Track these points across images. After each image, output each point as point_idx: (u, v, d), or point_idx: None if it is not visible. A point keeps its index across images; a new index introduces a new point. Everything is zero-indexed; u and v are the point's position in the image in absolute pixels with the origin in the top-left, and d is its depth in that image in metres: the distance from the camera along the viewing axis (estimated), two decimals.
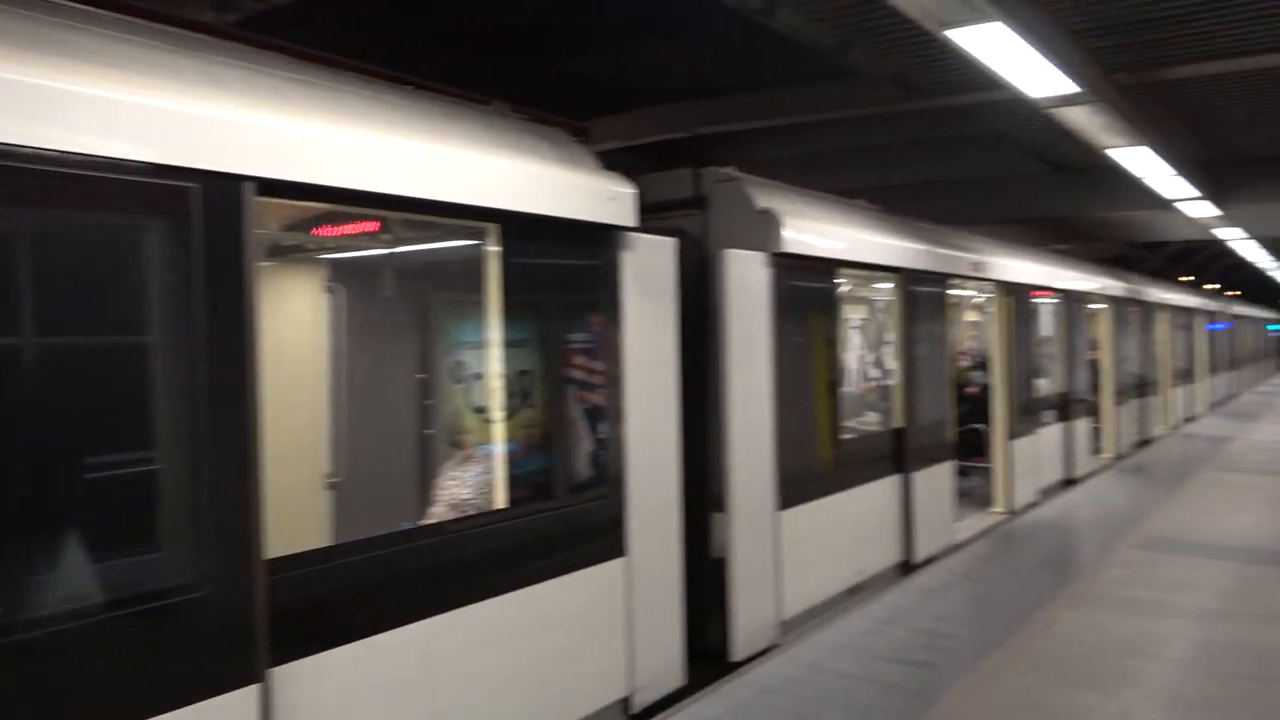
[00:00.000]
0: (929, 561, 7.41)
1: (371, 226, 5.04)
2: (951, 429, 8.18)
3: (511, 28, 9.07)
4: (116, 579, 2.62)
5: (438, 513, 4.17)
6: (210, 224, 2.84)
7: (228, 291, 2.88)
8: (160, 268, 2.78)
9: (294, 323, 5.50)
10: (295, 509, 5.04)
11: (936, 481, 7.69)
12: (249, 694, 2.83)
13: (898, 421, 7.28)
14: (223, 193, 2.89)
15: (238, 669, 2.81)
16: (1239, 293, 34.05)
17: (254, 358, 2.93)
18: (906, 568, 7.18)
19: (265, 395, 2.97)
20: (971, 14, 5.18)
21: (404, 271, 5.55)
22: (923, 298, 7.66)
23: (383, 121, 3.56)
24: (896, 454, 7.15)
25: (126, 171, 2.66)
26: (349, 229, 5.11)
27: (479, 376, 5.02)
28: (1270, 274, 29.96)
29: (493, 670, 3.81)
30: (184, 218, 2.78)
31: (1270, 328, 39.32)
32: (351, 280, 5.66)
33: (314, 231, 5.06)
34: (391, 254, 5.38)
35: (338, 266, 5.63)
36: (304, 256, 5.55)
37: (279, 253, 5.37)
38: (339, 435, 5.57)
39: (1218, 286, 33.46)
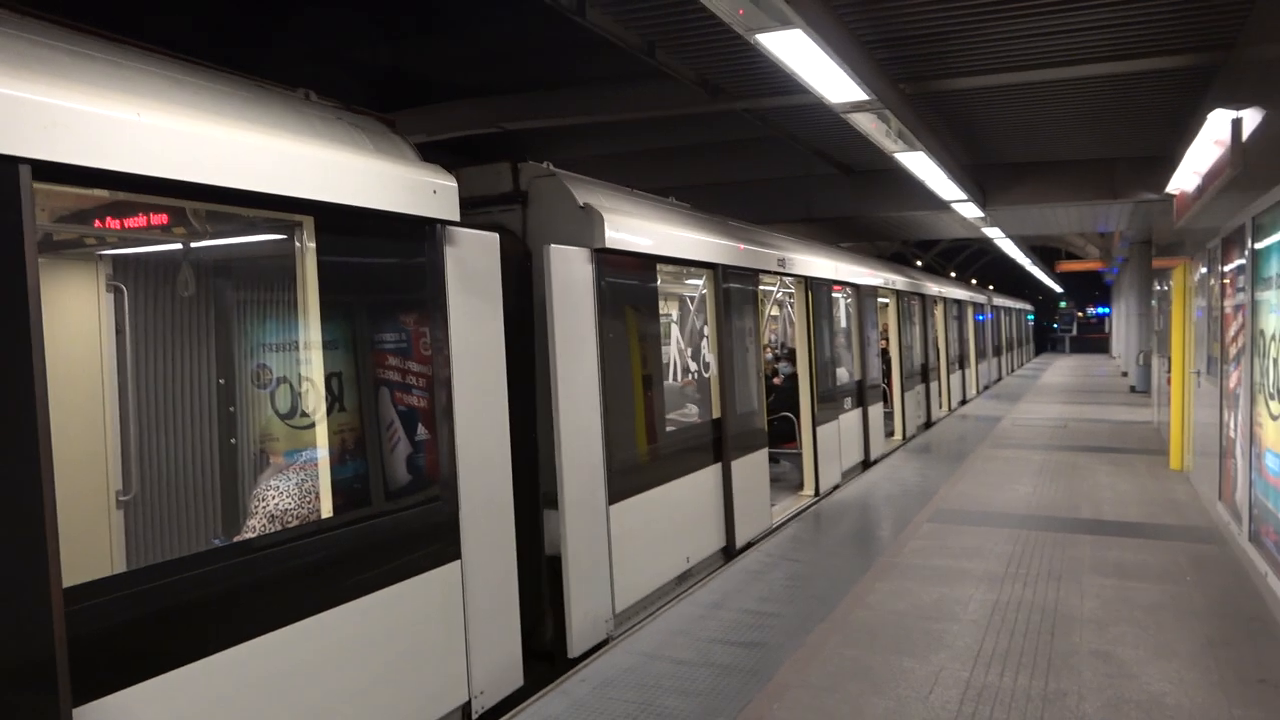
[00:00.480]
0: (749, 546, 7.70)
1: (160, 219, 4.61)
2: (763, 417, 8.53)
3: (304, 13, 8.63)
4: None
5: (256, 525, 3.87)
6: None
7: (6, 291, 2.52)
8: None
9: (70, 326, 4.95)
10: (82, 531, 4.54)
11: (753, 469, 7.99)
12: None
13: (715, 412, 7.50)
14: None
15: (36, 713, 2.47)
16: (991, 286, 37.86)
17: (41, 366, 2.58)
18: (728, 553, 7.41)
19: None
20: (775, 21, 5.41)
21: (201, 268, 5.11)
22: (735, 293, 7.93)
23: (182, 103, 3.24)
24: (716, 444, 7.37)
25: None
26: (135, 221, 4.64)
27: (283, 380, 4.71)
28: (1028, 269, 33.41)
29: (328, 687, 3.57)
30: None
31: (1029, 318, 43.83)
32: (139, 278, 5.15)
33: (95, 224, 4.56)
34: (186, 249, 4.95)
35: (122, 263, 5.11)
36: (81, 253, 5.00)
37: (51, 248, 4.81)
38: (129, 449, 5.07)
39: (974, 281, 37.04)
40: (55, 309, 4.90)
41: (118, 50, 3.27)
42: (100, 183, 3.00)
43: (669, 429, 6.84)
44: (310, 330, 3.84)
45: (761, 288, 8.91)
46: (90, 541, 4.80)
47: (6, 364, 2.51)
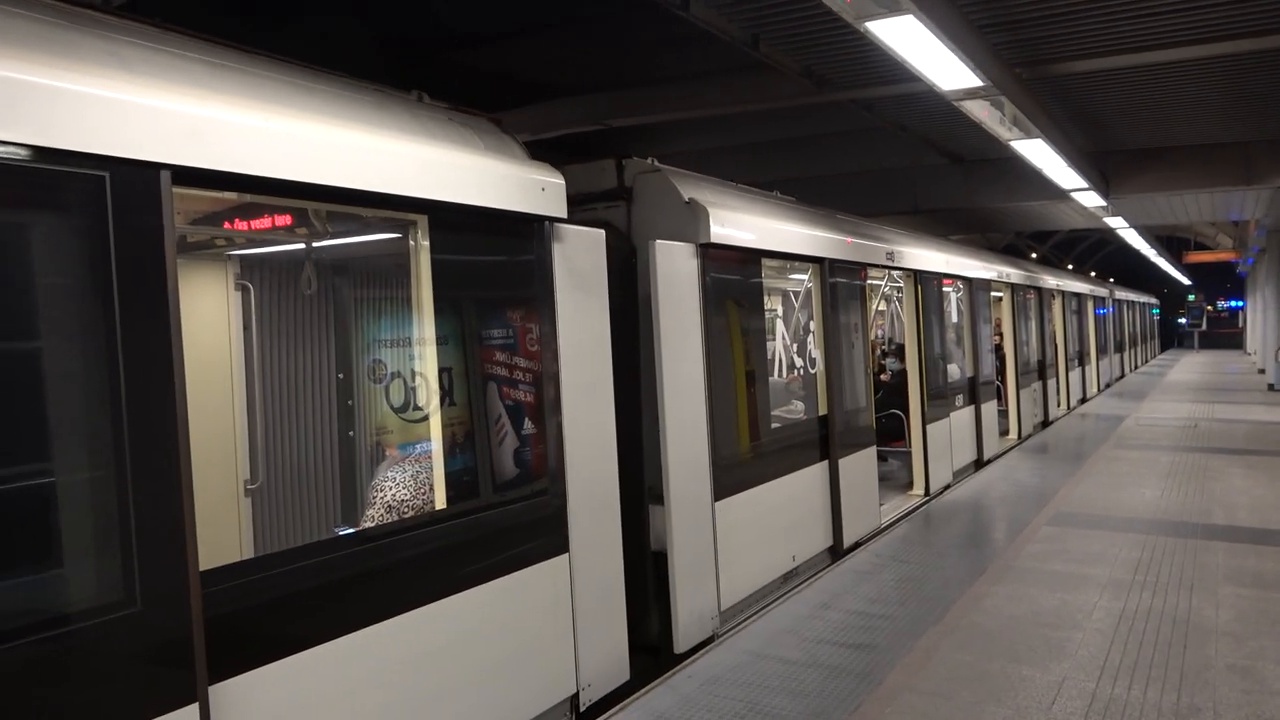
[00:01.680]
0: (857, 545, 7.54)
1: (285, 220, 4.81)
2: (871, 414, 8.34)
3: (411, 19, 8.84)
4: (41, 598, 2.40)
5: (375, 515, 4.00)
6: (125, 217, 2.62)
7: (149, 290, 2.67)
8: (68, 265, 2.55)
9: (202, 322, 5.22)
10: (213, 518, 4.78)
11: (860, 467, 7.82)
12: (189, 714, 2.63)
13: (822, 409, 7.37)
14: (138, 183, 2.68)
15: (176, 689, 2.61)
16: (1112, 278, 36.08)
17: (180, 360, 2.73)
18: (836, 552, 7.28)
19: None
20: (884, 8, 5.26)
21: (321, 267, 5.32)
22: (842, 287, 7.78)
23: (307, 108, 3.37)
24: (823, 441, 7.24)
25: (21, 158, 2.42)
26: (261, 223, 4.87)
27: (399, 375, 4.85)
28: (1153, 260, 31.71)
29: (442, 674, 3.66)
30: (95, 210, 2.57)
31: (1154, 312, 41.64)
32: (264, 277, 5.39)
33: (225, 225, 4.79)
34: (308, 249, 5.15)
35: (249, 263, 5.36)
36: (211, 253, 5.27)
37: (185, 249, 5.08)
38: (255, 439, 5.31)
39: (1094, 273, 35.36)
40: (188, 306, 5.16)
41: (245, 58, 3.42)
42: (232, 186, 3.15)
43: (774, 425, 6.75)
44: (424, 326, 3.94)
45: (869, 282, 8.71)
46: (221, 527, 5.05)
47: (151, 359, 2.65)
